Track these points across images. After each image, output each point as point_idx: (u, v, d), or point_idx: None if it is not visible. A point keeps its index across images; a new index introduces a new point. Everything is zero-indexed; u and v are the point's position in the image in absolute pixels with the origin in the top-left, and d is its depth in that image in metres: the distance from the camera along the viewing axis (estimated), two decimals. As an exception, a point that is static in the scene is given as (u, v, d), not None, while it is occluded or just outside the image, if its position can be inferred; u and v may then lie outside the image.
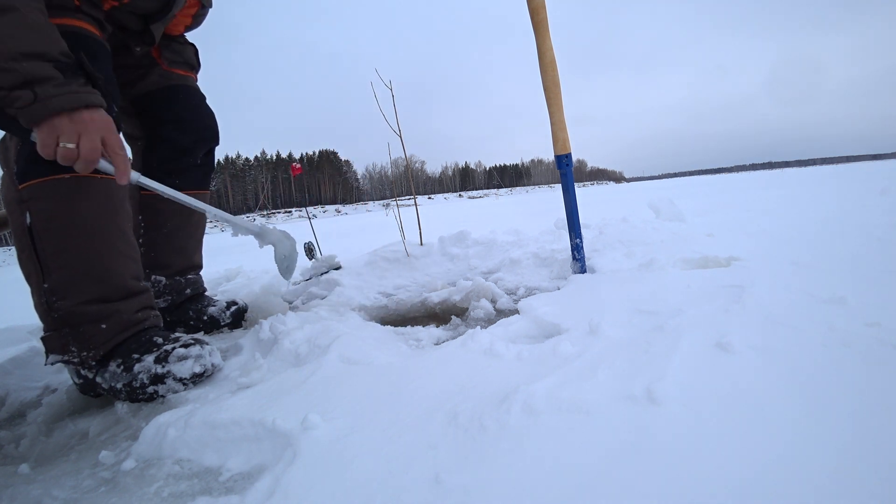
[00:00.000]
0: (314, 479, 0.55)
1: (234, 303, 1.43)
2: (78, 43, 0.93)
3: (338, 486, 0.53)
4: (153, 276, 1.35)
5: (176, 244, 1.37)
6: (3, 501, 0.65)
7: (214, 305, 1.40)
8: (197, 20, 1.37)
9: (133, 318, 0.98)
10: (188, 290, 1.39)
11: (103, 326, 0.93)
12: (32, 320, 1.68)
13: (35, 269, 0.92)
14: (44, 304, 0.92)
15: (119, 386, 0.92)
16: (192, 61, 1.40)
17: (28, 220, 0.90)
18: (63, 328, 0.92)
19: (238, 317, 1.43)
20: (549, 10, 1.31)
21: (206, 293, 1.48)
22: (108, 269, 0.95)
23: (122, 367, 0.92)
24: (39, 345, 1.31)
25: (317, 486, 0.54)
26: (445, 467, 0.54)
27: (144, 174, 1.26)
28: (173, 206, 1.31)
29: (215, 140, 1.42)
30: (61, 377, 1.15)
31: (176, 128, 1.33)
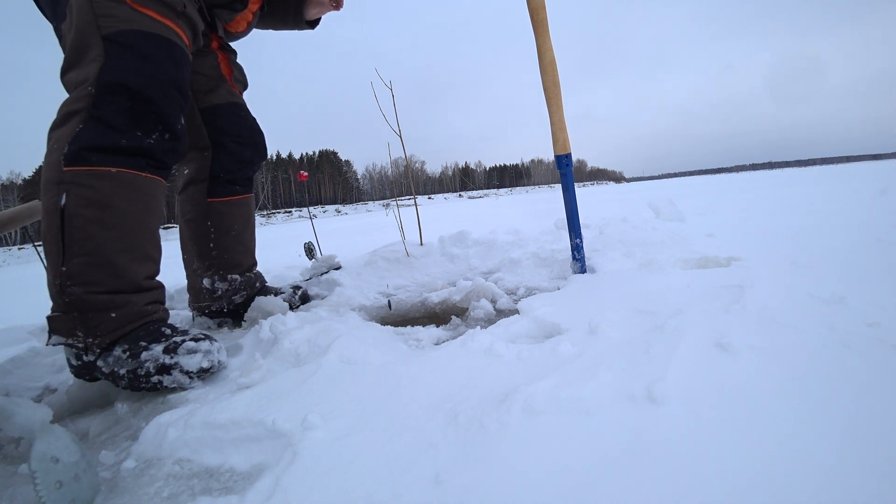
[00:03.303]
0: (314, 479, 0.55)
1: (298, 286, 1.57)
2: (171, 50, 1.02)
3: (338, 486, 0.53)
4: (229, 276, 1.44)
5: (244, 244, 1.49)
6: (3, 501, 0.65)
7: (284, 292, 1.52)
8: (255, 19, 1.47)
9: (143, 309, 0.99)
10: (257, 284, 1.52)
11: (113, 315, 0.94)
12: (32, 320, 1.69)
13: (57, 250, 0.92)
14: (57, 286, 0.92)
15: (122, 372, 0.92)
16: (246, 81, 1.53)
17: (63, 202, 0.91)
18: (72, 312, 0.92)
19: (305, 298, 1.58)
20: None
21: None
22: (126, 267, 0.97)
23: (127, 352, 0.93)
24: (39, 345, 1.31)
25: (317, 486, 0.54)
26: (445, 467, 0.54)
27: (210, 182, 1.42)
28: (237, 209, 1.46)
29: (266, 155, 1.56)
30: (61, 377, 1.15)
31: (241, 142, 1.44)
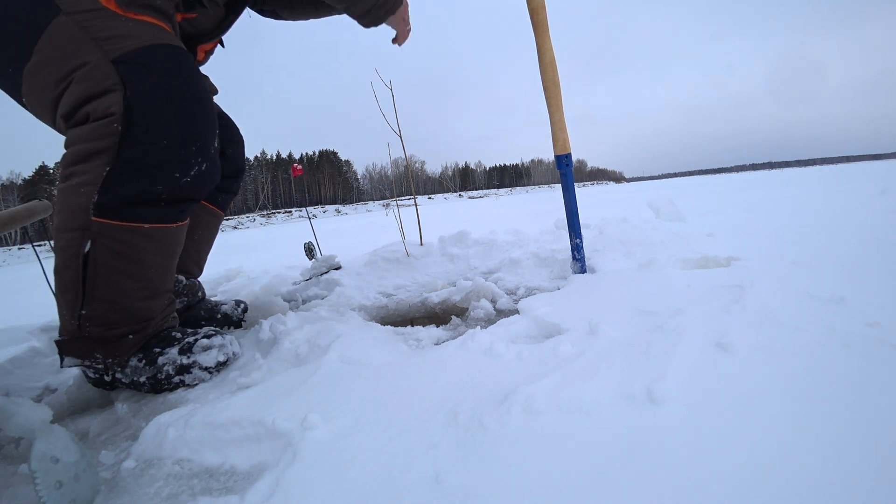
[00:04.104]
0: (314, 479, 0.55)
1: (241, 301, 1.49)
2: (186, 59, 0.92)
3: (338, 486, 0.53)
4: (177, 276, 1.38)
5: (201, 251, 1.42)
6: (3, 501, 0.65)
7: (225, 304, 1.45)
8: (207, 58, 1.38)
9: (156, 326, 1.00)
10: (199, 293, 1.45)
11: (130, 337, 0.94)
12: (32, 320, 1.68)
13: (75, 293, 0.88)
14: (74, 325, 0.90)
15: (142, 379, 0.93)
16: (215, 88, 1.45)
17: (87, 248, 0.86)
18: (89, 339, 0.92)
19: (246, 312, 1.50)
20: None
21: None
22: (147, 307, 0.96)
23: (143, 361, 0.93)
24: (39, 345, 1.31)
25: (317, 486, 0.54)
26: (445, 467, 0.54)
27: None
28: (205, 216, 1.39)
29: None
30: (61, 377, 1.15)
31: (236, 149, 1.40)
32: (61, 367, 0.94)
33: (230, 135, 1.39)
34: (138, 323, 0.95)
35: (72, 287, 0.89)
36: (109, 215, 0.86)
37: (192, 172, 0.92)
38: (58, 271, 0.90)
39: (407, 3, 1.24)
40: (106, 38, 0.84)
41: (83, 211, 0.86)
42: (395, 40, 1.32)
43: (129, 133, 0.84)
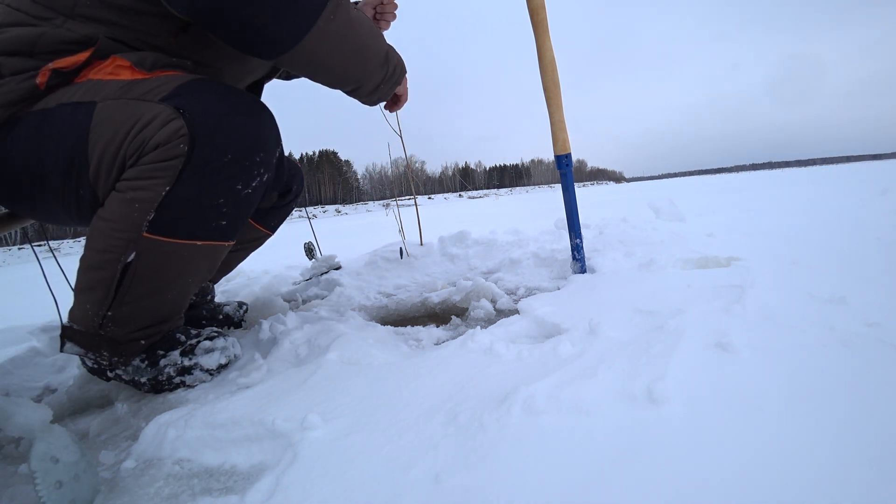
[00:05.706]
0: (314, 479, 0.55)
1: (244, 303, 1.50)
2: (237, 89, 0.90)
3: (338, 486, 0.53)
4: None
5: (232, 263, 1.40)
6: (3, 501, 0.65)
7: (228, 305, 1.45)
8: None
9: (165, 328, 0.99)
10: (209, 295, 1.46)
11: (142, 342, 0.95)
12: (32, 320, 1.68)
13: (106, 293, 0.87)
14: (97, 322, 0.89)
15: (143, 380, 0.94)
16: None
17: (130, 259, 0.85)
18: (103, 336, 0.92)
19: (243, 317, 1.51)
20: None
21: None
22: (168, 318, 0.97)
23: (146, 361, 0.94)
24: (39, 345, 1.31)
25: (317, 486, 0.54)
26: (445, 467, 0.54)
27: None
28: (254, 233, 1.36)
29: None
30: (61, 377, 1.15)
31: (297, 182, 1.38)
32: (61, 350, 0.92)
33: (289, 166, 1.35)
34: (153, 327, 0.96)
35: (103, 287, 0.87)
36: (163, 233, 0.85)
37: (254, 184, 0.90)
38: (90, 268, 0.88)
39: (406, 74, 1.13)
40: (146, 92, 0.83)
41: (135, 225, 0.84)
42: (388, 107, 1.21)
43: (193, 153, 0.82)
